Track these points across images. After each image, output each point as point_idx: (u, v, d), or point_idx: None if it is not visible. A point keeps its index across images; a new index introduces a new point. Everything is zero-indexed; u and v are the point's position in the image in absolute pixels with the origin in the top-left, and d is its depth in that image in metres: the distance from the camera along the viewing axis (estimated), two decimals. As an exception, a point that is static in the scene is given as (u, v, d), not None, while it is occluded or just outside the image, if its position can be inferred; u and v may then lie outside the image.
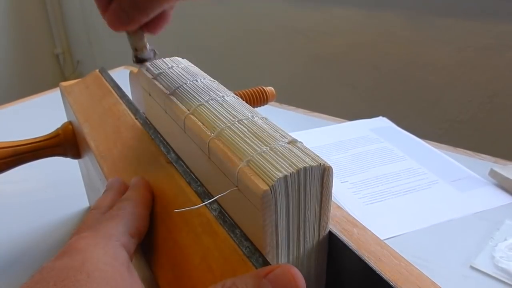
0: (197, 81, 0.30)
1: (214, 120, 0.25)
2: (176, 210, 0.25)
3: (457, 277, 0.42)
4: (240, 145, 0.23)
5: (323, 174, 0.22)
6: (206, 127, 0.25)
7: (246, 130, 0.24)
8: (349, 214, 0.26)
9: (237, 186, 0.22)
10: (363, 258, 0.22)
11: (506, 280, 0.41)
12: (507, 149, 1.13)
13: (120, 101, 0.39)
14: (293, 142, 0.23)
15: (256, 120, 0.25)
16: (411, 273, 0.22)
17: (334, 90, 1.46)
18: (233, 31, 1.65)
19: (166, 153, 0.30)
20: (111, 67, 0.94)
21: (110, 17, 0.27)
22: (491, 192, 0.55)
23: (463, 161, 0.62)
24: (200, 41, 1.77)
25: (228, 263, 0.22)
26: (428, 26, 1.18)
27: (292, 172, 0.20)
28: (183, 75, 0.31)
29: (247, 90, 0.44)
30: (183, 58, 0.35)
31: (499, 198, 0.54)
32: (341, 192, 0.55)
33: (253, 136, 0.23)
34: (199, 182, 0.27)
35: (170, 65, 0.33)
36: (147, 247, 0.26)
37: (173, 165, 0.29)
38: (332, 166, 0.22)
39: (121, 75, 0.49)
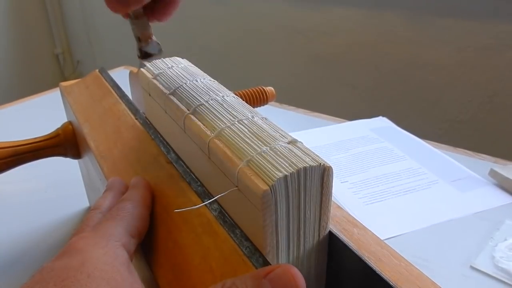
0: (197, 81, 0.30)
1: (214, 120, 0.25)
2: (176, 210, 0.25)
3: (457, 277, 0.42)
4: (240, 145, 0.23)
5: (323, 174, 0.22)
6: (206, 127, 0.25)
7: (246, 130, 0.24)
8: (349, 214, 0.26)
9: (237, 186, 0.22)
10: (363, 258, 0.22)
11: (506, 280, 0.41)
12: (507, 149, 1.13)
13: (120, 101, 0.39)
14: (293, 142, 0.23)
15: (256, 120, 0.25)
16: (411, 273, 0.22)
17: (334, 90, 1.46)
18: (233, 31, 1.65)
19: (166, 153, 0.30)
20: (111, 67, 0.94)
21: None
22: (491, 192, 0.55)
23: (463, 161, 0.62)
24: (200, 41, 1.77)
25: (228, 263, 0.22)
26: (428, 26, 1.18)
27: (292, 172, 0.20)
28: (183, 75, 0.31)
29: (247, 90, 0.44)
30: (183, 58, 0.35)
31: (499, 198, 0.54)
32: (341, 192, 0.55)
33: (253, 136, 0.23)
34: (199, 182, 0.27)
35: (170, 65, 0.33)
36: (147, 247, 0.26)
37: (173, 165, 0.29)
38: (332, 166, 0.22)
39: (121, 75, 0.49)
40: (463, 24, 1.12)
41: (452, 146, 0.67)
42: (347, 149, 0.65)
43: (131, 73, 0.39)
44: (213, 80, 0.31)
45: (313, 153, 0.22)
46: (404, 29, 1.23)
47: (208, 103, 0.27)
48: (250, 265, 0.21)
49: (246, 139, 0.23)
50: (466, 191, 0.55)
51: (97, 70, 0.46)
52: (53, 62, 2.39)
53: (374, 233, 0.25)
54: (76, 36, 2.35)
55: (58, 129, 0.45)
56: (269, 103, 0.45)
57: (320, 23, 1.40)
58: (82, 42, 2.33)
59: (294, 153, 0.22)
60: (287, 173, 0.20)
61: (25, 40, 2.21)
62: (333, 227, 0.25)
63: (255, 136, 0.23)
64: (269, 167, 0.21)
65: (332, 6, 1.35)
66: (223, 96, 0.28)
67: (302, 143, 0.23)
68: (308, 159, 0.21)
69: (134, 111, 0.37)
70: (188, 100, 0.28)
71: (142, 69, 0.34)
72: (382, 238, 0.24)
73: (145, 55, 0.31)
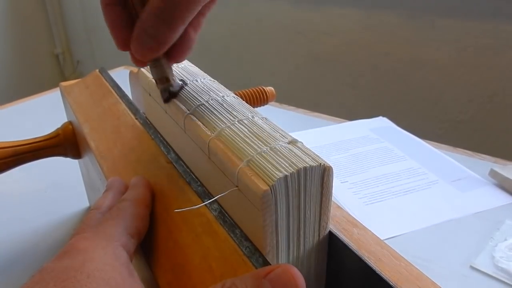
0: (197, 81, 0.30)
1: (214, 120, 0.25)
2: (176, 210, 0.25)
3: (457, 277, 0.42)
4: (240, 145, 0.23)
5: (323, 174, 0.22)
6: (206, 127, 0.25)
7: (246, 130, 0.24)
8: (349, 214, 0.26)
9: (237, 186, 0.22)
10: (363, 258, 0.22)
11: (506, 280, 0.41)
12: (507, 149, 1.13)
13: (120, 101, 0.39)
14: (293, 142, 0.23)
15: (256, 120, 0.25)
16: (411, 273, 0.22)
17: (334, 90, 1.46)
18: (233, 31, 1.65)
19: (166, 153, 0.30)
20: (111, 67, 0.94)
21: (135, 47, 0.24)
22: (491, 192, 0.55)
23: (463, 161, 0.62)
24: (200, 41, 1.76)
25: (228, 263, 0.22)
26: (428, 26, 1.18)
27: (292, 172, 0.20)
28: (183, 75, 0.31)
29: (247, 90, 0.44)
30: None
31: (499, 198, 0.54)
32: (341, 192, 0.55)
33: (253, 136, 0.23)
34: (199, 182, 0.27)
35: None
36: (147, 247, 0.26)
37: (173, 165, 0.29)
38: (332, 166, 0.22)
39: (121, 75, 0.49)
40: (463, 24, 1.12)
41: (452, 146, 0.67)
42: (347, 149, 0.65)
43: (131, 73, 0.39)
44: (213, 80, 0.31)
45: (313, 153, 0.22)
46: (404, 29, 1.23)
47: (208, 103, 0.27)
48: (250, 265, 0.21)
49: (246, 139, 0.23)
50: (466, 191, 0.55)
51: (97, 70, 0.46)
52: (53, 62, 2.39)
53: (374, 233, 0.25)
54: (76, 36, 2.35)
55: (58, 129, 0.45)
56: (269, 103, 0.45)
57: (320, 23, 1.40)
58: (82, 42, 2.33)
59: (294, 153, 0.22)
60: (287, 173, 0.20)
61: (25, 40, 2.21)
62: (333, 227, 0.25)
63: (255, 136, 0.23)
64: (269, 167, 0.21)
65: (332, 6, 1.35)
66: (223, 96, 0.28)
67: (302, 143, 0.23)
68: (308, 159, 0.21)
69: (134, 111, 0.37)
70: (188, 100, 0.28)
71: (142, 69, 0.34)
72: (382, 238, 0.24)
73: (173, 95, 0.28)
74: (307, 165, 0.21)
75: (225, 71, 1.72)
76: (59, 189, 0.58)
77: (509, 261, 0.43)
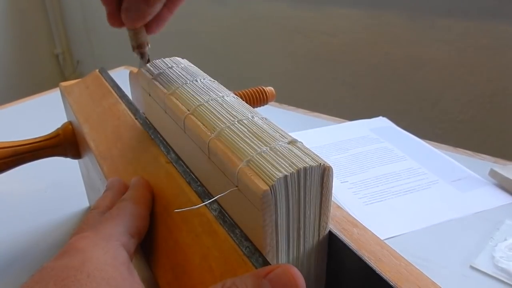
0: (197, 81, 0.30)
1: (214, 120, 0.25)
2: (176, 210, 0.25)
3: (457, 277, 0.42)
4: (240, 145, 0.23)
5: (323, 174, 0.22)
6: (206, 127, 0.25)
7: (246, 130, 0.24)
8: (349, 214, 0.26)
9: (237, 186, 0.22)
10: (363, 258, 0.22)
11: (506, 280, 0.41)
12: (507, 149, 1.13)
13: (120, 101, 0.39)
14: (293, 142, 0.23)
15: (256, 120, 0.25)
16: (411, 273, 0.22)
17: (334, 90, 1.46)
18: (233, 31, 1.65)
19: (166, 153, 0.30)
20: (111, 67, 0.94)
21: (124, 18, 0.31)
22: (491, 192, 0.55)
23: (463, 161, 0.62)
24: (200, 41, 1.77)
25: (228, 263, 0.22)
26: (428, 26, 1.18)
27: (292, 172, 0.20)
28: (183, 75, 0.31)
29: (247, 90, 0.44)
30: (183, 58, 0.35)
31: (499, 198, 0.54)
32: (341, 192, 0.55)
33: (253, 136, 0.23)
34: (199, 182, 0.27)
35: (170, 65, 0.33)
36: (147, 247, 0.26)
37: (173, 165, 0.29)
38: (332, 166, 0.22)
39: (121, 75, 0.49)
40: (463, 24, 1.12)
41: (452, 146, 0.67)
42: (347, 149, 0.65)
43: (131, 73, 0.39)
44: (213, 80, 0.31)
45: (313, 153, 0.22)
46: (404, 29, 1.23)
47: (208, 103, 0.27)
48: (250, 265, 0.21)
49: (246, 139, 0.23)
50: (466, 191, 0.55)
51: (97, 70, 0.46)
52: (53, 62, 2.39)
53: (374, 233, 0.25)
54: (76, 36, 2.35)
55: (58, 129, 0.45)
56: (269, 103, 0.45)
57: (320, 23, 1.40)
58: (82, 42, 2.33)
59: (294, 153, 0.22)
60: (287, 173, 0.20)
61: (25, 40, 2.21)
62: (333, 227, 0.25)
63: (255, 136, 0.23)
64: (269, 167, 0.21)
65: (332, 6, 1.35)
66: (223, 96, 0.28)
67: (302, 143, 0.23)
68: (308, 159, 0.21)
69: (134, 111, 0.37)
70: (188, 100, 0.28)
71: (142, 69, 0.34)
72: (382, 238, 0.24)
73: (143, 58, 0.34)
74: (307, 165, 0.21)
75: (225, 71, 1.72)
76: (59, 189, 0.58)
77: (509, 261, 0.43)
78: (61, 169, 0.57)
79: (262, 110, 0.31)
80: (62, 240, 0.48)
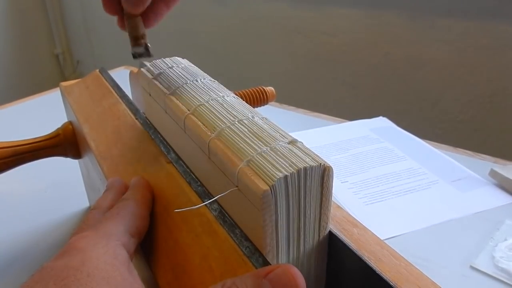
0: (197, 81, 0.30)
1: (214, 120, 0.25)
2: (176, 210, 0.25)
3: (457, 277, 0.42)
4: (240, 145, 0.23)
5: (323, 174, 0.22)
6: (206, 127, 0.25)
7: (246, 130, 0.24)
8: (349, 214, 0.26)
9: (237, 186, 0.22)
10: (363, 258, 0.22)
11: (506, 280, 0.41)
12: (507, 149, 1.13)
13: (120, 101, 0.39)
14: (293, 142, 0.23)
15: (256, 120, 0.25)
16: (411, 273, 0.22)
17: (334, 90, 1.46)
18: (233, 31, 1.65)
19: (166, 153, 0.30)
20: (111, 67, 0.94)
21: (124, 3, 0.30)
22: (491, 192, 0.55)
23: (463, 161, 0.62)
24: (200, 41, 1.77)
25: (228, 263, 0.22)
26: (428, 26, 1.18)
27: (292, 172, 0.20)
28: (183, 75, 0.31)
29: (247, 90, 0.44)
30: (183, 58, 0.35)
31: (499, 198, 0.54)
32: (341, 192, 0.55)
33: (253, 136, 0.23)
34: (199, 182, 0.27)
35: (170, 65, 0.33)
36: (147, 247, 0.26)
37: (173, 165, 0.29)
38: (332, 166, 0.22)
39: (121, 75, 0.49)
40: (463, 24, 1.12)
41: (452, 146, 0.67)
42: (347, 149, 0.65)
43: (131, 73, 0.39)
44: (213, 80, 0.31)
45: (313, 153, 0.22)
46: (404, 29, 1.23)
47: (208, 103, 0.27)
48: (250, 265, 0.21)
49: (246, 139, 0.23)
50: (466, 191, 0.55)
51: (97, 70, 0.46)
52: (53, 62, 2.39)
53: (374, 233, 0.25)
54: (76, 36, 2.35)
55: (58, 129, 0.45)
56: (269, 103, 0.45)
57: (320, 23, 1.40)
58: (82, 42, 2.33)
59: (294, 153, 0.22)
60: (287, 173, 0.20)
61: (25, 40, 2.21)
62: (333, 227, 0.25)
63: (255, 136, 0.23)
64: (269, 167, 0.21)
65: (332, 6, 1.35)
66: (223, 96, 0.28)
67: (302, 143, 0.23)
68: (308, 159, 0.21)
69: (134, 111, 0.37)
70: (188, 100, 0.28)
71: (142, 69, 0.34)
72: (382, 238, 0.24)
73: (134, 56, 0.33)
74: (307, 165, 0.21)
75: (225, 71, 1.72)
76: (59, 189, 0.58)
77: (509, 261, 0.43)
78: (61, 169, 0.57)
79: (262, 110, 0.31)
80: (62, 240, 0.48)
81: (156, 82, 0.31)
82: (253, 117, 0.25)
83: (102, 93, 0.42)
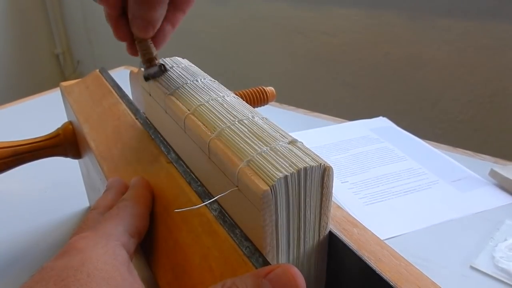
0: (197, 81, 0.30)
1: (215, 120, 0.25)
2: (176, 210, 0.25)
3: (457, 277, 0.42)
4: (241, 145, 0.23)
5: (323, 174, 0.22)
6: (207, 127, 0.25)
7: (246, 130, 0.24)
8: (349, 214, 0.26)
9: (237, 186, 0.22)
10: (363, 258, 0.22)
11: (506, 280, 0.41)
12: (507, 149, 1.13)
13: (120, 101, 0.39)
14: (293, 142, 0.23)
15: (256, 120, 0.25)
16: (411, 273, 0.22)
17: (334, 90, 1.46)
18: (233, 31, 1.65)
19: (166, 153, 0.30)
20: (111, 67, 0.94)
21: (133, 29, 0.30)
22: (491, 192, 0.55)
23: (463, 161, 0.62)
24: (200, 41, 1.77)
25: (228, 263, 0.22)
26: (428, 26, 1.18)
27: (293, 172, 0.20)
28: (183, 75, 0.31)
29: (247, 90, 0.44)
30: (183, 58, 0.35)
31: (499, 198, 0.54)
32: (341, 192, 0.55)
33: (253, 136, 0.23)
34: (199, 182, 0.27)
35: (170, 65, 0.33)
36: (147, 247, 0.26)
37: (173, 165, 0.29)
38: (332, 166, 0.22)
39: (121, 75, 0.49)
40: (463, 24, 1.12)
41: (452, 146, 0.67)
42: (347, 149, 0.65)
43: (131, 73, 0.39)
44: (213, 80, 0.31)
45: (313, 153, 0.22)
46: (404, 29, 1.23)
47: (208, 103, 0.27)
48: (250, 265, 0.21)
49: (246, 139, 0.23)
50: (466, 191, 0.55)
51: (97, 70, 0.46)
52: (53, 62, 2.39)
53: (374, 233, 0.25)
54: (76, 36, 2.35)
55: (58, 129, 0.45)
56: (269, 103, 0.45)
57: (320, 23, 1.40)
58: (82, 42, 2.33)
59: (294, 153, 0.22)
60: (287, 173, 0.20)
61: (25, 40, 2.21)
62: (333, 227, 0.25)
63: (255, 136, 0.23)
64: (269, 167, 0.21)
65: (332, 6, 1.35)
66: (223, 96, 0.28)
67: (302, 143, 0.23)
68: (308, 159, 0.21)
69: (134, 111, 0.37)
70: (189, 100, 0.28)
71: (142, 69, 0.34)
72: (382, 238, 0.24)
73: (146, 78, 0.33)
74: (307, 165, 0.21)
75: (225, 71, 1.72)
76: (59, 189, 0.58)
77: (509, 261, 0.43)
78: (61, 169, 0.57)
79: (262, 110, 0.31)
80: (62, 240, 0.48)
81: (156, 82, 0.31)
82: (253, 117, 0.25)
83: (102, 93, 0.42)
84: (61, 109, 0.49)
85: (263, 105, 0.45)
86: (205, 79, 0.31)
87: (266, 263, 0.21)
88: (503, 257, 0.43)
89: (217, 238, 0.23)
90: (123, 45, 0.33)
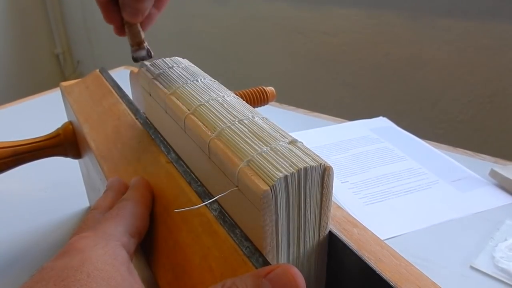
0: (197, 81, 0.30)
1: (215, 120, 0.25)
2: (176, 210, 0.25)
3: (457, 277, 0.42)
4: (241, 145, 0.23)
5: (324, 174, 0.22)
6: (207, 127, 0.25)
7: (246, 130, 0.24)
8: (349, 214, 0.26)
9: (237, 186, 0.22)
10: (363, 258, 0.22)
11: (506, 280, 0.41)
12: (507, 149, 1.13)
13: (120, 101, 0.39)
14: (293, 142, 0.23)
15: (256, 120, 0.25)
16: (411, 273, 0.22)
17: (334, 90, 1.46)
18: (233, 31, 1.65)
19: (166, 153, 0.30)
20: (111, 67, 0.94)
21: (124, 15, 0.33)
22: (491, 192, 0.55)
23: (463, 161, 0.62)
24: (200, 41, 1.77)
25: (228, 263, 0.22)
26: (428, 26, 1.18)
27: (293, 172, 0.20)
28: (184, 75, 0.31)
29: (247, 90, 0.44)
30: (183, 58, 0.35)
31: (499, 198, 0.54)
32: (341, 192, 0.55)
33: (253, 136, 0.23)
34: (199, 182, 0.27)
35: (170, 65, 0.33)
36: (147, 247, 0.26)
37: (173, 165, 0.29)
38: (332, 166, 0.22)
39: (121, 75, 0.49)
40: (463, 24, 1.12)
41: (452, 146, 0.67)
42: (347, 149, 0.65)
43: (131, 73, 0.39)
44: (213, 80, 0.31)
45: (313, 153, 0.22)
46: (404, 29, 1.23)
47: (208, 103, 0.27)
48: (250, 265, 0.21)
49: (246, 139, 0.23)
50: (466, 191, 0.55)
51: (97, 70, 0.46)
52: (53, 62, 2.39)
53: (374, 233, 0.25)
54: (76, 36, 2.35)
55: (58, 129, 0.45)
56: (269, 103, 0.45)
57: (320, 23, 1.40)
58: (82, 42, 2.33)
59: (294, 153, 0.22)
60: (287, 173, 0.20)
61: (25, 40, 2.21)
62: (333, 227, 0.25)
63: (256, 136, 0.23)
64: (269, 167, 0.21)
65: (332, 6, 1.35)
66: (223, 96, 0.28)
67: (302, 143, 0.23)
68: (308, 159, 0.21)
69: (135, 111, 0.37)
70: (189, 100, 0.28)
71: (142, 69, 0.34)
72: (382, 238, 0.24)
73: (135, 60, 0.35)
74: (307, 165, 0.21)
75: (225, 71, 1.72)
76: (59, 189, 0.58)
77: (509, 261, 0.43)
78: (61, 169, 0.57)
79: (262, 110, 0.31)
80: (62, 240, 0.48)
81: (156, 82, 0.31)
82: (253, 117, 0.25)
83: (102, 93, 0.42)
84: (61, 109, 0.49)
85: (263, 105, 0.45)
86: (205, 79, 0.31)
87: (266, 263, 0.21)
88: (503, 257, 0.43)
89: (217, 238, 0.23)
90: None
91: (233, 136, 0.24)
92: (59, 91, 0.48)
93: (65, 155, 0.46)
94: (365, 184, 0.57)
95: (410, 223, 0.49)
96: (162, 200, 0.28)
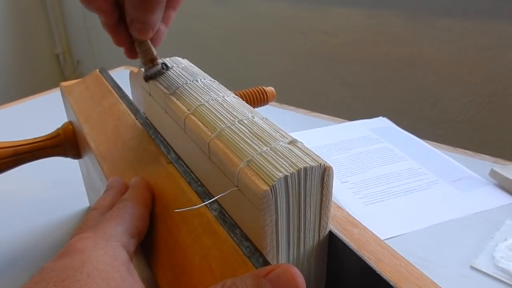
0: (197, 81, 0.30)
1: (215, 120, 0.25)
2: (176, 210, 0.25)
3: (457, 277, 0.42)
4: (241, 145, 0.23)
5: (324, 174, 0.22)
6: (207, 127, 0.25)
7: (246, 130, 0.24)
8: (349, 214, 0.26)
9: (237, 186, 0.22)
10: (363, 258, 0.22)
11: (506, 280, 0.41)
12: (507, 149, 1.13)
13: (120, 101, 0.39)
14: (293, 142, 0.23)
15: (256, 120, 0.25)
16: (411, 273, 0.22)
17: (334, 90, 1.46)
18: (233, 31, 1.65)
19: (166, 153, 0.30)
20: (111, 67, 0.94)
21: (132, 32, 0.30)
22: (491, 192, 0.55)
23: (463, 161, 0.62)
24: (200, 41, 1.77)
25: (228, 263, 0.22)
26: (428, 26, 1.18)
27: (293, 172, 0.20)
28: (183, 75, 0.31)
29: (247, 90, 0.44)
30: (183, 58, 0.35)
31: (499, 198, 0.54)
32: (341, 192, 0.55)
33: (253, 136, 0.23)
34: (199, 182, 0.27)
35: (170, 65, 0.33)
36: (147, 247, 0.26)
37: (173, 165, 0.29)
38: (332, 166, 0.22)
39: (121, 75, 0.49)
40: (463, 24, 1.12)
41: (452, 146, 0.67)
42: (347, 149, 0.65)
43: (131, 73, 0.39)
44: (213, 80, 0.31)
45: (313, 153, 0.22)
46: (404, 29, 1.23)
47: (208, 103, 0.27)
48: (250, 265, 0.21)
49: (246, 139, 0.23)
50: (466, 191, 0.55)
51: (97, 70, 0.46)
52: (53, 62, 2.39)
53: (374, 233, 0.25)
54: (76, 36, 2.35)
55: (58, 129, 0.45)
56: (269, 103, 0.45)
57: (320, 23, 1.40)
58: (82, 42, 2.33)
59: (294, 153, 0.22)
60: (287, 173, 0.20)
61: (25, 40, 2.21)
62: (333, 227, 0.25)
63: (256, 136, 0.23)
64: (269, 167, 0.21)
65: (332, 6, 1.35)
66: (223, 96, 0.28)
67: (302, 143, 0.23)
68: (308, 159, 0.21)
69: (135, 111, 0.37)
70: (189, 100, 0.28)
71: (142, 69, 0.34)
72: (382, 238, 0.24)
73: (148, 78, 0.33)
74: (307, 165, 0.21)
75: (225, 71, 1.72)
76: (59, 189, 0.58)
77: (509, 261, 0.43)
78: (61, 169, 0.57)
79: (262, 110, 0.31)
80: (62, 240, 0.48)
81: (156, 82, 0.31)
82: (253, 117, 0.25)
83: (102, 93, 0.42)
84: (61, 109, 0.49)
85: (263, 105, 0.45)
86: (205, 79, 0.31)
87: (266, 263, 0.21)
88: (503, 257, 0.43)
89: (217, 238, 0.23)
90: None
91: (233, 136, 0.24)
92: (59, 91, 0.48)
93: (65, 155, 0.46)
94: (365, 184, 0.57)
95: (410, 223, 0.49)
96: (162, 200, 0.28)
